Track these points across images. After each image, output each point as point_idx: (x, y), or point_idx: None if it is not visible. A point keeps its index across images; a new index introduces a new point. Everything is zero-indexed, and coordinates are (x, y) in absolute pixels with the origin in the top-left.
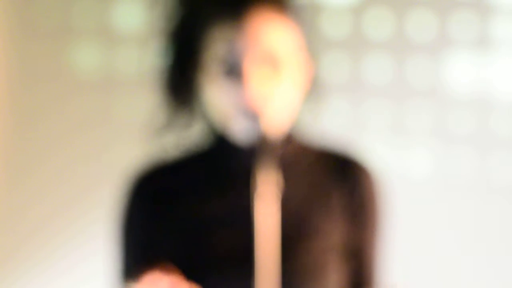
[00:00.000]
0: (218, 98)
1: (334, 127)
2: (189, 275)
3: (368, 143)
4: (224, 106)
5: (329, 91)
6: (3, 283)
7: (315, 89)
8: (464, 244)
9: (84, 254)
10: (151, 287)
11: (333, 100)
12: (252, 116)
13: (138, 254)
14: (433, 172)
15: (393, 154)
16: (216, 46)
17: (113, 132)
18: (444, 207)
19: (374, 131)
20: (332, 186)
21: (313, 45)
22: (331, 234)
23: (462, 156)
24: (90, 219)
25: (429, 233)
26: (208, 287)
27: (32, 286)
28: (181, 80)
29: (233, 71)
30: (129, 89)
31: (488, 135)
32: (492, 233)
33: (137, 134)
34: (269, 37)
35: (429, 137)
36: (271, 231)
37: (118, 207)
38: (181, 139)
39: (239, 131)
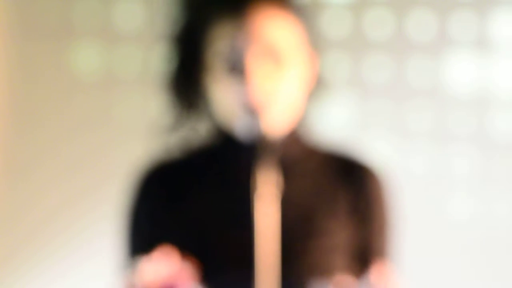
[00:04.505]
0: (222, 96)
1: (334, 126)
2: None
3: (368, 142)
4: (228, 103)
5: (330, 91)
6: (4, 282)
7: (319, 86)
8: (469, 243)
9: (86, 253)
10: (159, 264)
11: (333, 100)
12: (253, 113)
13: (143, 249)
14: (432, 172)
15: (392, 153)
16: (219, 43)
17: (113, 132)
18: (446, 206)
19: (374, 131)
20: (338, 187)
21: (317, 41)
22: (337, 234)
23: (462, 155)
24: (91, 218)
25: (432, 233)
26: (208, 285)
27: (34, 285)
28: (187, 83)
29: (236, 68)
30: (130, 89)
31: (488, 134)
32: (494, 233)
33: (138, 134)
34: (271, 32)
35: (429, 136)
36: (271, 231)
37: (125, 202)
38: (187, 138)
39: (241, 128)
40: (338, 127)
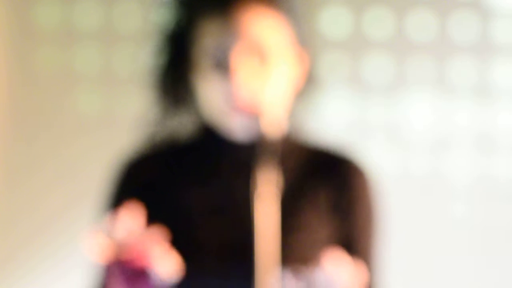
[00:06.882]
0: (209, 93)
1: (334, 126)
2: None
3: (368, 142)
4: (216, 101)
5: (329, 91)
6: (3, 284)
7: (309, 84)
8: (462, 244)
9: (84, 256)
10: (126, 220)
11: (333, 100)
12: (250, 114)
13: None
14: (433, 171)
15: (392, 153)
16: (206, 40)
17: (113, 132)
18: (443, 206)
19: (375, 131)
20: (320, 183)
21: (308, 40)
22: (318, 230)
23: (463, 156)
24: (90, 221)
25: (426, 231)
26: (200, 284)
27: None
28: (175, 79)
29: (221, 65)
30: (130, 90)
31: (489, 135)
32: (492, 232)
33: (138, 135)
34: (258, 30)
35: (430, 136)
36: (271, 231)
37: (105, 192)
38: (171, 132)
39: (236, 127)
40: (337, 127)
